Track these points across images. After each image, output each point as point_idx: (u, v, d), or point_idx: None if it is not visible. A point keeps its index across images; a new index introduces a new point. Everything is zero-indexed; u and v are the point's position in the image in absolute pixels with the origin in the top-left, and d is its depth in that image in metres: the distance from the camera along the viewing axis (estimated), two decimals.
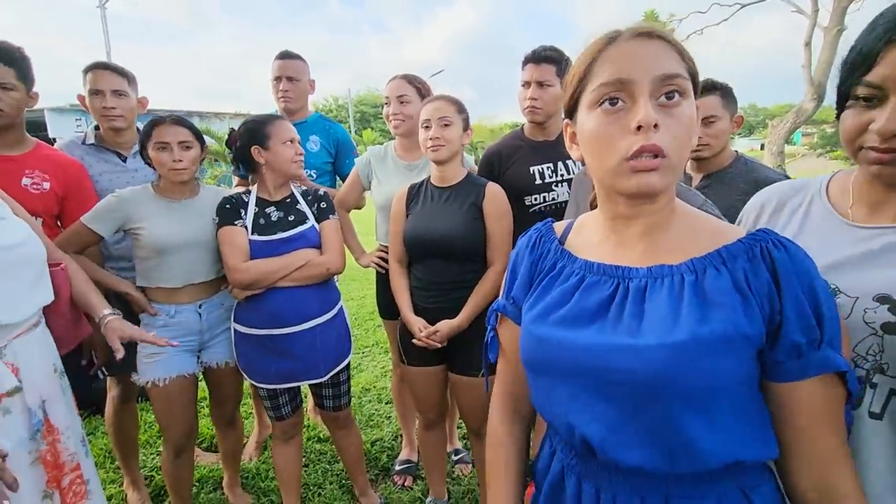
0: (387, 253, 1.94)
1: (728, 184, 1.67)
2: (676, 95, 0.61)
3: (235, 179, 2.35)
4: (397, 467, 2.22)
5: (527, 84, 1.82)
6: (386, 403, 2.83)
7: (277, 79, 2.23)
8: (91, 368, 1.75)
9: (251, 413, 2.73)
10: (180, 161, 1.58)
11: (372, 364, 3.41)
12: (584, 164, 0.73)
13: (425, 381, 1.73)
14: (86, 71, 1.83)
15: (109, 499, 2.00)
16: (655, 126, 0.59)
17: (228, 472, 2.06)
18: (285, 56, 2.25)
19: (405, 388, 2.16)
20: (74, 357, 1.55)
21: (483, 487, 1.85)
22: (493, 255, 1.61)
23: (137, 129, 1.95)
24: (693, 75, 0.64)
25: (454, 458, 2.28)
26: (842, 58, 0.74)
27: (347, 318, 1.81)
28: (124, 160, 1.91)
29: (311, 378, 1.67)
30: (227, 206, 1.62)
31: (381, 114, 2.23)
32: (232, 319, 1.68)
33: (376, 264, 2.00)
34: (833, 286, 0.73)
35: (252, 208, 1.63)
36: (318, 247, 1.65)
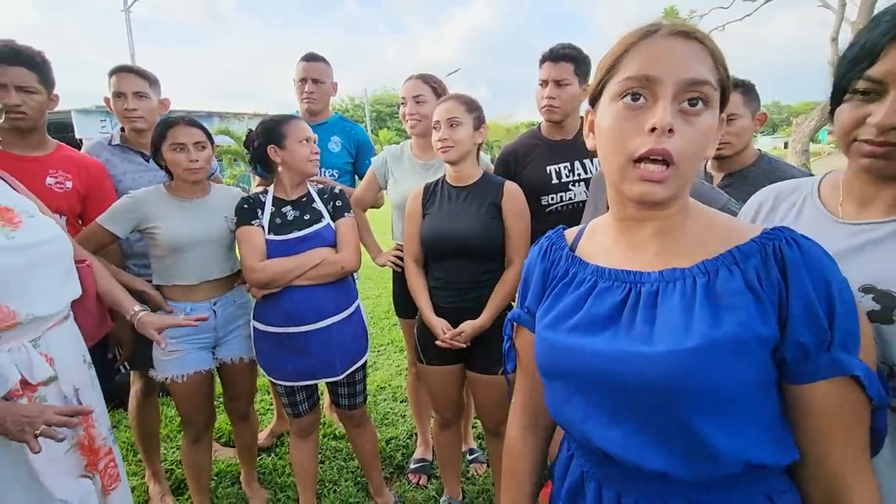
0: (403, 252, 1.95)
1: (751, 183, 1.63)
2: (700, 103, 0.59)
3: (255, 179, 2.39)
4: (412, 466, 2.23)
5: (544, 83, 1.80)
6: (401, 402, 2.84)
7: (302, 80, 2.27)
8: (115, 363, 1.80)
9: (269, 409, 2.77)
10: (196, 161, 1.63)
11: (387, 362, 3.43)
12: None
13: (443, 379, 1.73)
14: (110, 74, 1.91)
15: (132, 490, 2.05)
16: (670, 131, 0.58)
17: (245, 466, 2.09)
18: (311, 58, 2.29)
19: (420, 386, 2.17)
20: (100, 352, 1.59)
21: (498, 487, 1.85)
22: (513, 254, 1.61)
23: None
24: (724, 86, 0.62)
25: (469, 457, 2.28)
26: (839, 55, 0.75)
27: (365, 316, 1.82)
28: (147, 160, 1.96)
29: (327, 376, 1.69)
30: (245, 206, 1.65)
31: (396, 113, 2.25)
32: (251, 317, 1.71)
33: (393, 263, 2.01)
34: None
35: (269, 208, 1.66)
36: (334, 245, 1.66)
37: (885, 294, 0.70)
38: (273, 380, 1.72)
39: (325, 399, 2.56)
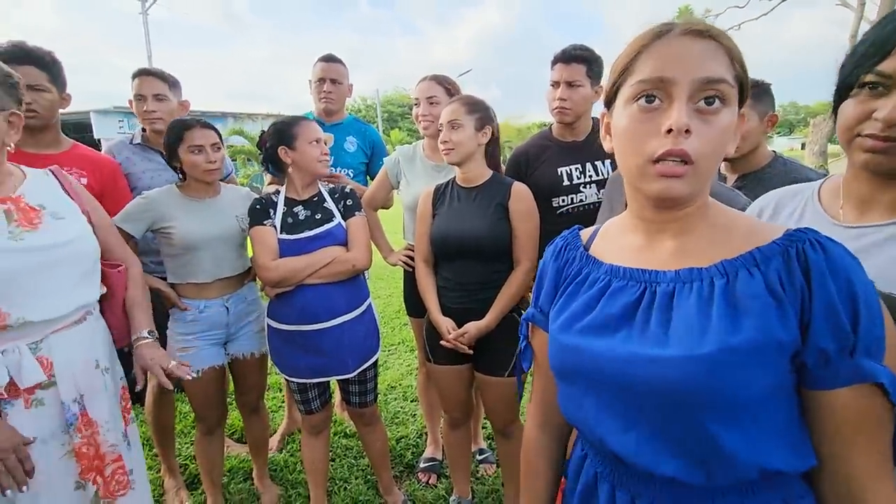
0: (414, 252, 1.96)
1: (765, 184, 1.61)
2: (717, 101, 0.58)
3: (267, 178, 2.43)
4: (422, 465, 2.24)
5: (556, 84, 1.80)
6: (411, 401, 2.85)
7: (321, 80, 2.31)
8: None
9: (280, 406, 2.80)
10: (214, 162, 1.68)
11: (398, 362, 3.45)
12: (614, 161, 0.73)
13: (451, 379, 1.73)
14: (133, 77, 1.99)
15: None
16: (687, 131, 0.57)
17: (257, 462, 2.12)
18: (329, 59, 2.33)
19: (431, 386, 2.18)
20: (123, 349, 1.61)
21: (507, 487, 1.85)
22: (520, 254, 1.61)
23: None
24: (742, 83, 0.61)
25: (479, 457, 2.28)
26: (846, 53, 0.76)
27: (377, 315, 1.84)
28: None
29: (338, 374, 1.71)
30: (258, 206, 1.68)
31: (408, 114, 2.27)
32: (265, 315, 1.74)
33: (404, 263, 2.02)
34: None
35: (281, 208, 1.68)
36: (346, 244, 1.68)
37: (887, 296, 0.69)
38: (286, 377, 1.75)
39: (337, 397, 2.59)
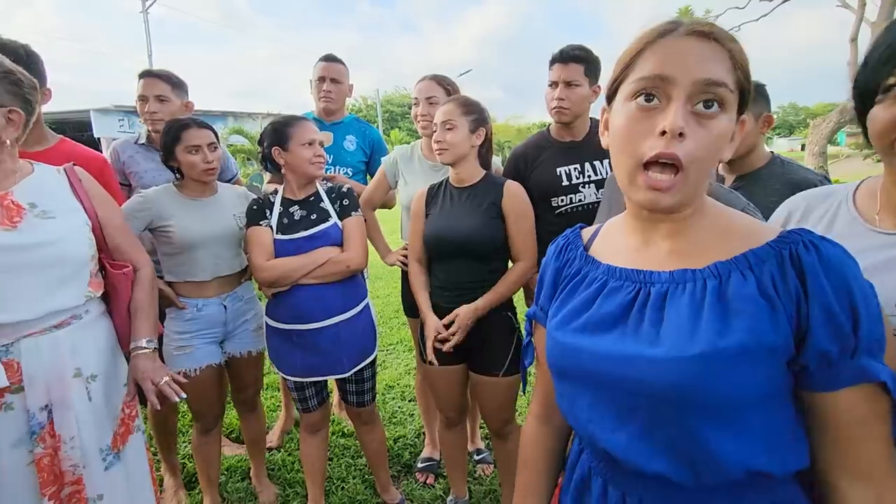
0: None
1: (762, 185, 1.62)
2: (715, 105, 0.58)
3: (267, 176, 2.44)
4: (419, 465, 2.24)
5: (554, 84, 1.80)
6: (409, 401, 2.85)
7: (321, 79, 2.32)
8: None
9: (279, 406, 2.80)
10: (211, 162, 1.69)
11: (396, 361, 3.45)
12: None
13: (445, 379, 1.73)
14: (138, 78, 2.02)
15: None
16: (681, 135, 0.57)
17: (254, 461, 2.12)
18: (330, 59, 2.35)
19: (428, 386, 2.18)
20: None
21: (505, 487, 1.85)
22: (518, 255, 1.61)
23: None
24: (742, 89, 0.60)
25: (476, 457, 2.28)
26: (859, 56, 0.74)
27: (374, 315, 1.84)
28: None
29: (334, 373, 1.71)
30: (255, 207, 1.69)
31: (408, 113, 2.28)
32: (264, 313, 1.75)
33: (402, 263, 2.02)
34: None
35: (277, 208, 1.69)
36: (341, 244, 1.68)
37: None
38: (283, 375, 1.75)
39: (335, 396, 2.59)
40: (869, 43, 0.74)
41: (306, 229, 1.65)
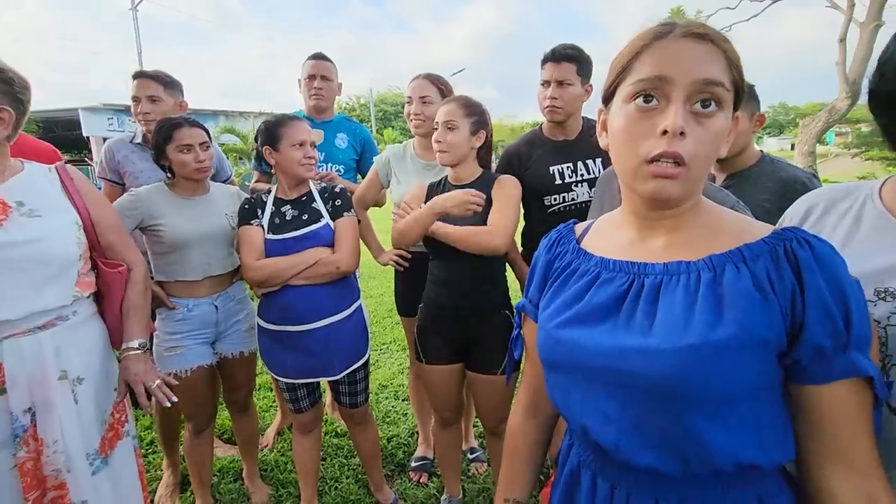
0: (405, 251, 1.96)
1: (753, 183, 1.63)
2: (712, 104, 0.59)
3: (255, 175, 2.43)
4: (413, 464, 2.24)
5: (546, 83, 1.80)
6: (403, 400, 2.85)
7: (311, 77, 2.31)
8: None
9: (271, 406, 2.79)
10: (203, 161, 1.68)
11: (389, 361, 3.44)
12: (606, 159, 0.73)
13: (442, 379, 1.73)
14: (132, 79, 2.03)
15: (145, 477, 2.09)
16: (682, 133, 0.58)
17: (247, 461, 2.11)
18: (319, 57, 2.34)
19: (422, 385, 2.17)
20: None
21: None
22: (489, 223, 1.53)
23: None
24: (738, 88, 0.62)
25: (470, 456, 2.28)
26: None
27: (367, 316, 1.83)
28: None
29: (325, 375, 1.70)
30: (246, 206, 1.68)
31: (401, 113, 2.27)
32: (256, 314, 1.73)
33: (395, 262, 2.01)
34: (887, 289, 0.71)
35: (269, 207, 1.67)
36: (332, 245, 1.66)
37: None
38: (274, 375, 1.74)
39: (328, 396, 2.58)
40: (882, 51, 0.71)
41: (297, 229, 1.64)
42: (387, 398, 2.90)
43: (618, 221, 0.75)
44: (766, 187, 1.60)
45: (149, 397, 1.31)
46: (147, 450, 2.38)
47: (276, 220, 1.66)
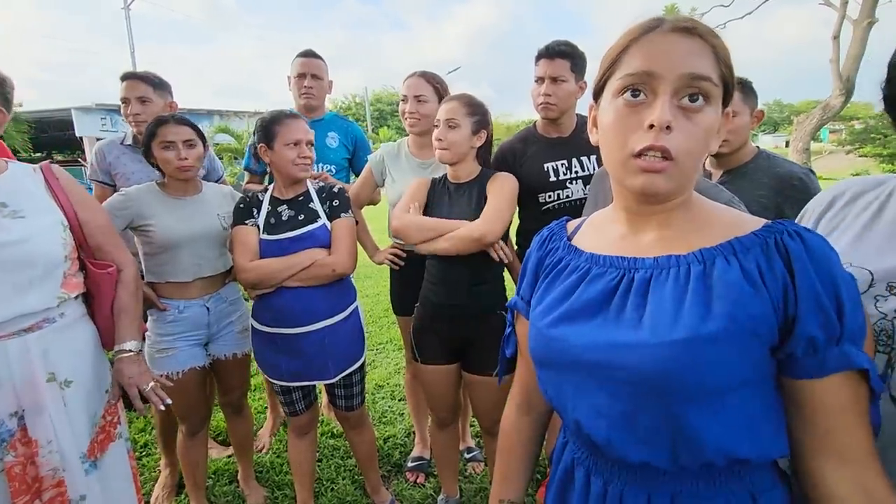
0: (401, 249, 1.94)
1: (750, 179, 1.63)
2: (700, 99, 0.59)
3: (246, 175, 2.40)
4: (410, 464, 2.23)
5: (540, 80, 1.79)
6: (399, 400, 2.84)
7: (301, 76, 2.27)
8: None
9: (266, 407, 2.77)
10: (186, 159, 1.64)
11: (386, 361, 3.43)
12: (600, 156, 0.72)
13: (439, 379, 1.72)
14: (121, 80, 2.01)
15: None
16: (668, 128, 0.58)
17: (242, 463, 2.09)
18: (309, 55, 2.30)
19: (418, 385, 2.16)
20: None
21: None
22: (480, 217, 1.53)
23: None
24: (726, 83, 0.62)
25: (466, 456, 2.27)
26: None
27: (363, 318, 1.81)
28: None
29: (320, 378, 1.68)
30: (241, 205, 1.65)
31: (397, 111, 2.24)
32: (250, 315, 1.71)
33: (390, 261, 2.00)
34: None
35: (265, 207, 1.65)
36: (329, 246, 1.64)
37: None
38: (269, 378, 1.72)
39: (324, 398, 2.56)
40: (893, 54, 0.71)
41: (293, 230, 1.61)
42: (383, 398, 2.89)
43: (609, 217, 0.75)
44: (763, 183, 1.60)
45: (143, 400, 1.30)
46: (141, 452, 2.36)
47: (272, 220, 1.63)
